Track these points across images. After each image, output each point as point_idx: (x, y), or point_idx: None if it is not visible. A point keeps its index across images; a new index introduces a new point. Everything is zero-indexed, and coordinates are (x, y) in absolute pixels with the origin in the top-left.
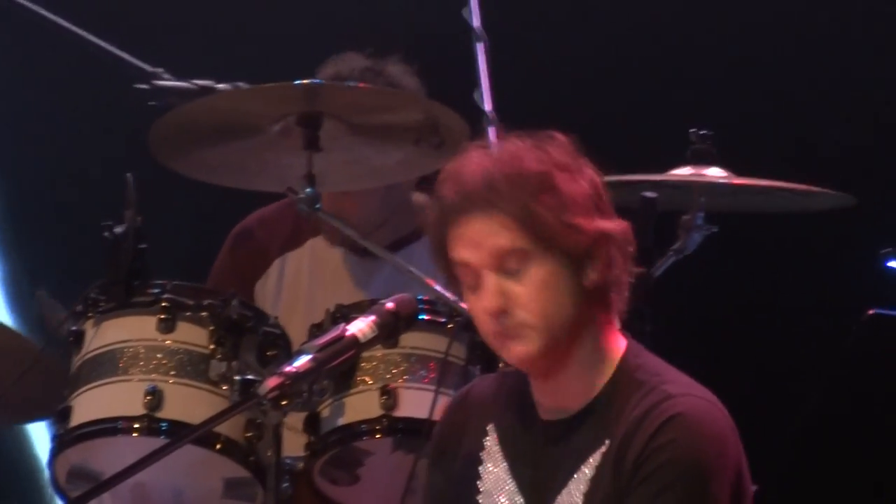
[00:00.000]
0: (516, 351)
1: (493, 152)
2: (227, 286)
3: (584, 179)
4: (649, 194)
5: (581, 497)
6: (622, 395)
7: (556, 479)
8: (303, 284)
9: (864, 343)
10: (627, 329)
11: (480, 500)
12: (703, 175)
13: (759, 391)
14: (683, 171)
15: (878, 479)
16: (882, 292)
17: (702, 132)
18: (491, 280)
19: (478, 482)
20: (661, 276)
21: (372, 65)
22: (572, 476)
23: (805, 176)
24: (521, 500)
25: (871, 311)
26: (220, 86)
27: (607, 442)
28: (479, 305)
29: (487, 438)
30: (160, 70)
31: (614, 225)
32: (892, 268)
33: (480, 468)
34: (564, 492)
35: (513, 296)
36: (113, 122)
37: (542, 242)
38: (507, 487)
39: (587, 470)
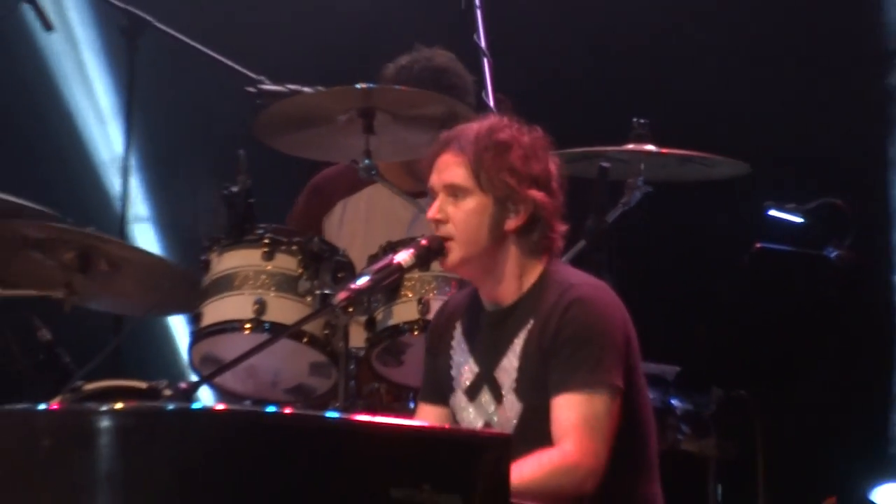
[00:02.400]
0: (447, 261)
1: (486, 121)
2: (302, 221)
3: (537, 163)
4: (605, 164)
5: (516, 360)
6: (543, 291)
7: (499, 350)
8: (360, 222)
9: (753, 266)
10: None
11: (452, 373)
12: (642, 148)
13: (684, 301)
14: (628, 147)
15: (758, 362)
16: (765, 233)
17: (641, 120)
18: (440, 198)
19: (450, 361)
20: (612, 227)
21: (426, 63)
22: (510, 346)
23: (712, 149)
24: (477, 368)
25: (758, 245)
26: (305, 89)
27: (531, 321)
28: (428, 214)
29: (455, 331)
30: (263, 77)
31: (543, 196)
32: (771, 215)
33: (452, 352)
34: (504, 359)
35: (449, 213)
36: (229, 114)
37: (480, 186)
38: (468, 361)
39: (519, 341)
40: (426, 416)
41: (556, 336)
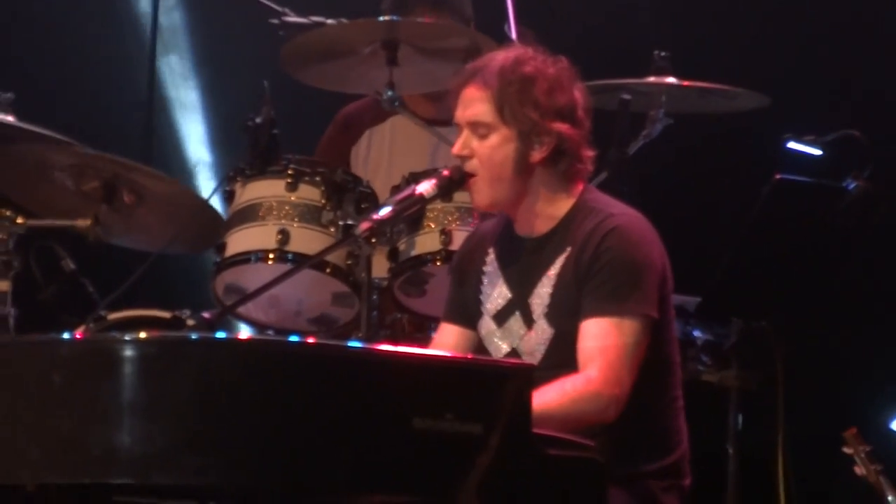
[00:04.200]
0: (475, 200)
1: (511, 52)
2: (330, 152)
3: (562, 94)
4: (626, 96)
5: (551, 287)
6: (579, 218)
7: (534, 276)
8: (385, 151)
9: (773, 198)
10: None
11: (482, 297)
12: (663, 81)
13: (704, 233)
14: (649, 79)
15: (777, 294)
16: (784, 165)
17: (662, 53)
18: (465, 134)
19: (481, 286)
20: (633, 159)
21: None
22: (546, 273)
23: (733, 82)
24: (509, 294)
25: (778, 176)
26: (329, 21)
27: (568, 249)
28: (453, 151)
29: (488, 257)
30: (286, 9)
31: (567, 128)
32: (790, 148)
33: (483, 277)
34: (539, 285)
35: (473, 149)
36: (255, 46)
37: (503, 120)
38: (499, 287)
39: (554, 269)
40: (447, 336)
41: (593, 262)
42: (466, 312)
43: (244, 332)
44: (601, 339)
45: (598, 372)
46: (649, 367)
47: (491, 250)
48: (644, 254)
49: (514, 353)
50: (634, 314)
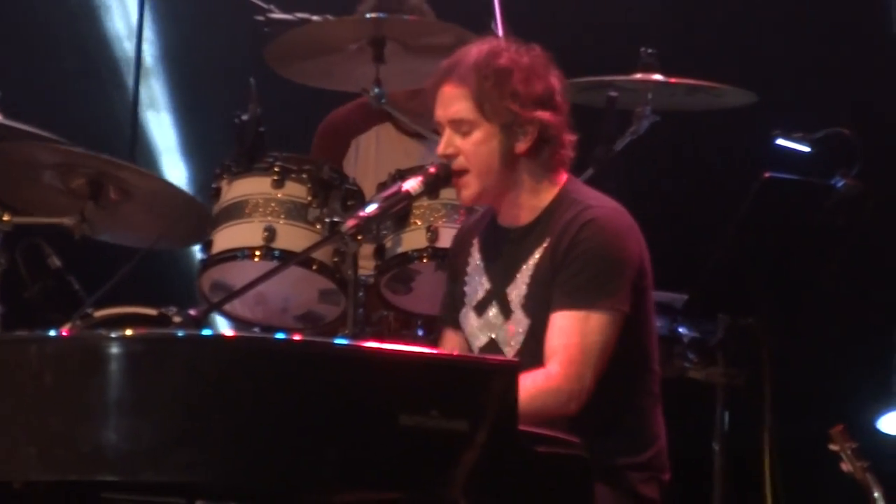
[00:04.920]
0: (463, 195)
1: (484, 45)
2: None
3: (539, 82)
4: (613, 93)
5: (528, 278)
6: (559, 210)
7: (513, 267)
8: (371, 160)
9: (761, 195)
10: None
11: (466, 289)
12: (650, 78)
13: (692, 230)
14: (637, 76)
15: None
16: (773, 162)
17: (649, 50)
18: (447, 133)
19: (465, 278)
20: (621, 156)
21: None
22: (525, 264)
23: (720, 79)
24: (489, 285)
25: (766, 175)
26: (315, 17)
27: (548, 240)
28: (437, 150)
29: (473, 248)
30: (272, 6)
31: (548, 115)
32: (779, 145)
33: (468, 268)
34: (518, 276)
35: (458, 146)
36: (241, 43)
37: (484, 115)
38: (481, 278)
39: (533, 259)
40: (450, 342)
41: (567, 253)
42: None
43: (230, 329)
44: (566, 333)
45: (560, 367)
46: (625, 360)
47: (475, 242)
48: (619, 247)
49: (492, 343)
50: (604, 308)
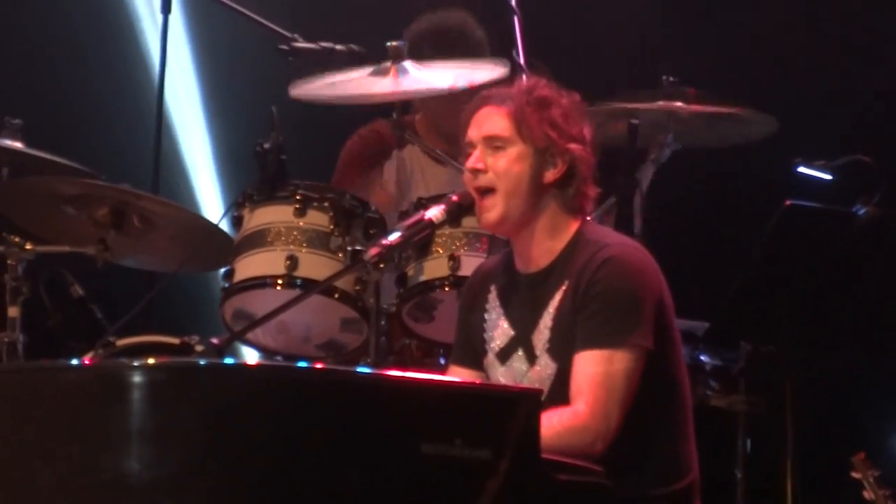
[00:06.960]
0: (486, 217)
1: (527, 80)
2: (359, 163)
3: (575, 124)
4: (634, 121)
5: (551, 322)
6: (576, 252)
7: (535, 312)
8: (392, 185)
9: (783, 223)
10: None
11: (486, 336)
12: (672, 106)
13: (714, 258)
14: (658, 104)
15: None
16: (794, 190)
17: (671, 78)
18: (479, 150)
19: (484, 324)
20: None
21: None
22: (546, 308)
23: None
24: (512, 332)
25: (788, 203)
26: (338, 47)
27: (566, 282)
28: (467, 164)
29: (490, 294)
30: (296, 35)
31: (581, 150)
32: (801, 172)
33: (486, 315)
34: (541, 321)
35: (489, 163)
36: (265, 73)
37: (521, 136)
38: (502, 325)
39: (553, 303)
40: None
41: (587, 292)
42: (473, 352)
43: (252, 357)
44: (591, 371)
45: (586, 406)
46: (652, 395)
47: (492, 288)
48: (638, 284)
49: None
50: (626, 345)
